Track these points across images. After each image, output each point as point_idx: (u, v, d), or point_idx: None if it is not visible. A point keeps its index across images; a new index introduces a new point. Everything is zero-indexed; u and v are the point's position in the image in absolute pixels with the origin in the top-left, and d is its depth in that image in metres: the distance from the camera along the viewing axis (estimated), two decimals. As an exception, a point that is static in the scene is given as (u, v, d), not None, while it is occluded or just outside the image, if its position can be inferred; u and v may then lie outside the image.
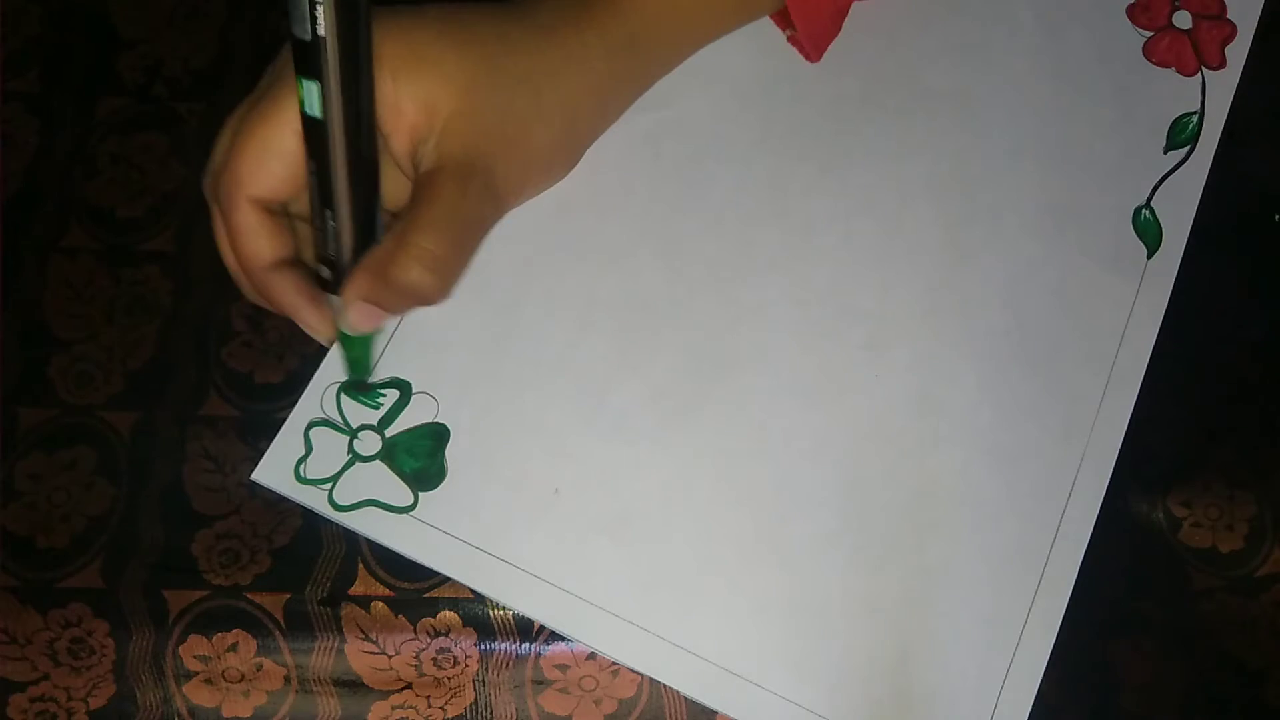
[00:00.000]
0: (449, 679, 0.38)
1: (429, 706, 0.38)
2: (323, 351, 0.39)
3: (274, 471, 0.38)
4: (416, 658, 0.38)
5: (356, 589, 0.38)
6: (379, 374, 0.39)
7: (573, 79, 0.37)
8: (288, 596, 0.37)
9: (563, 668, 0.38)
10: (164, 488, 0.39)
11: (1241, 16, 0.44)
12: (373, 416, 0.39)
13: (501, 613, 0.38)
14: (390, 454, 0.38)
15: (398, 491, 0.38)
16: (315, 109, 0.32)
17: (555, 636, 0.38)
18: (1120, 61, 0.44)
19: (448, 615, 0.38)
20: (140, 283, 0.41)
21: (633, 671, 0.37)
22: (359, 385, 0.38)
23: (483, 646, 0.38)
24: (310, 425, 0.38)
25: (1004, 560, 0.38)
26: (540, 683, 0.38)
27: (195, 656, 0.37)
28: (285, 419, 0.39)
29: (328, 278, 0.34)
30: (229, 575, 0.38)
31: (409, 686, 0.38)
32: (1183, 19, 0.44)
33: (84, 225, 0.42)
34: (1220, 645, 0.38)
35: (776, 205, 0.42)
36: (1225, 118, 0.43)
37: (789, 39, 0.43)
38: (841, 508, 0.38)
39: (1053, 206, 0.42)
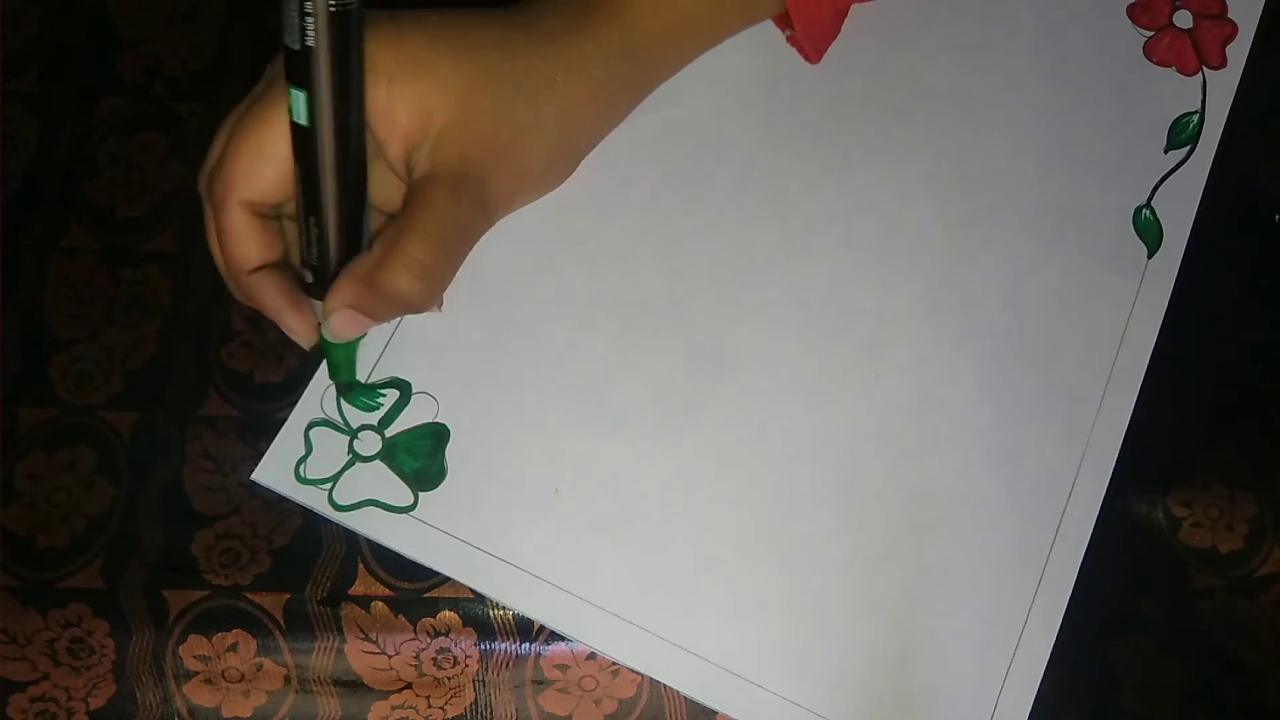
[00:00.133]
0: (449, 679, 0.38)
1: (429, 706, 0.38)
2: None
3: (274, 471, 0.38)
4: (416, 658, 0.38)
5: (356, 589, 0.38)
6: (379, 374, 0.39)
7: (571, 87, 0.37)
8: (288, 596, 0.37)
9: (563, 668, 0.38)
10: (164, 488, 0.39)
11: (1242, 16, 0.44)
12: (373, 416, 0.39)
13: (501, 613, 0.38)
14: (390, 454, 0.38)
15: (398, 491, 0.38)
16: (303, 117, 0.32)
17: (555, 636, 0.38)
18: (1120, 61, 0.44)
19: (448, 615, 0.38)
20: (140, 283, 0.41)
21: (633, 671, 0.37)
22: (343, 388, 0.38)
23: (483, 646, 0.38)
24: (310, 425, 0.38)
25: (1004, 560, 0.38)
26: (540, 683, 0.38)
27: (195, 656, 0.37)
28: (285, 419, 0.39)
29: (311, 282, 0.35)
30: (229, 575, 0.38)
31: (409, 686, 0.38)
32: (1183, 18, 0.44)
33: (84, 225, 0.42)
34: (1220, 645, 0.38)
35: (776, 205, 0.42)
36: (1226, 117, 0.43)
37: (788, 40, 0.43)
38: (841, 508, 0.38)
39: (1053, 206, 0.42)
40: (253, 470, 0.38)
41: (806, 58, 0.43)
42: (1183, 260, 0.41)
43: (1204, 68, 0.44)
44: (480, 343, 0.40)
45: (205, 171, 0.35)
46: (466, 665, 0.38)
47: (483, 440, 0.39)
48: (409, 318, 0.40)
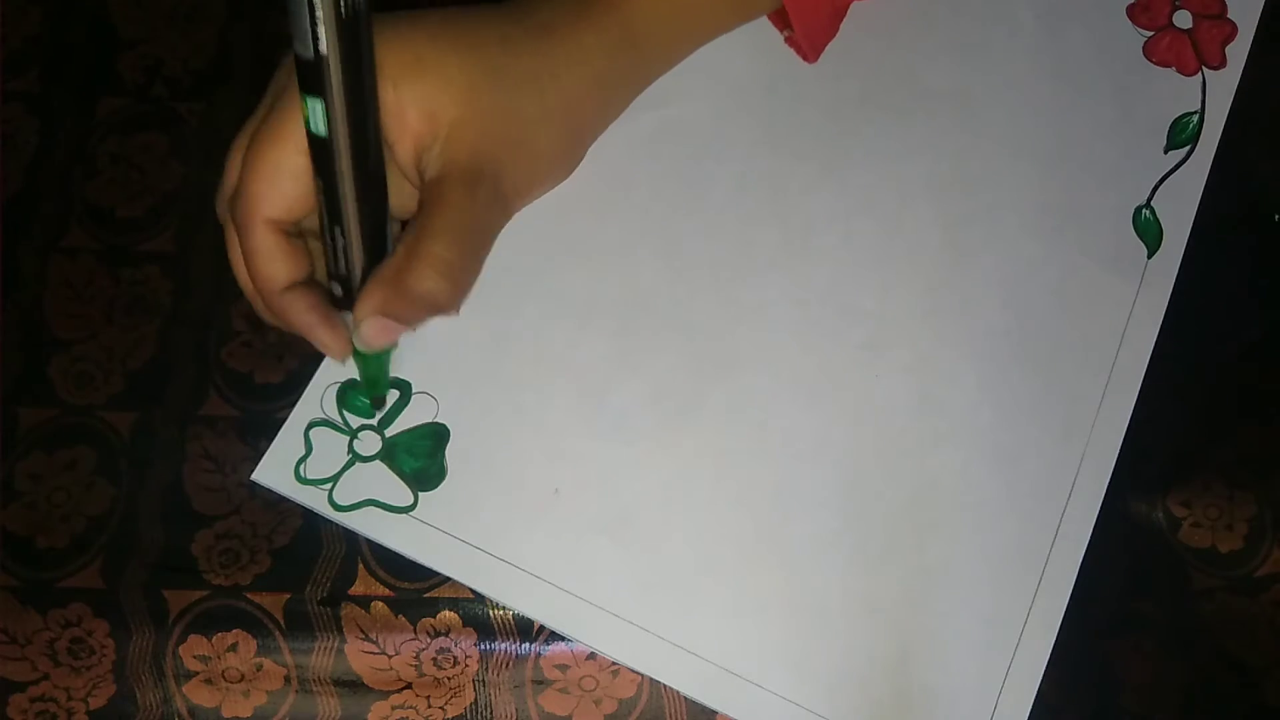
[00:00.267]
0: (449, 679, 0.38)
1: (429, 706, 0.38)
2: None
3: (274, 471, 0.38)
4: (416, 658, 0.38)
5: (356, 589, 0.38)
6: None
7: (574, 78, 0.37)
8: (288, 596, 0.37)
9: (563, 668, 0.38)
10: (164, 488, 0.39)
11: (1242, 16, 0.44)
12: (373, 417, 0.39)
13: (501, 613, 0.38)
14: (390, 454, 0.38)
15: (398, 491, 0.38)
16: (320, 127, 0.31)
17: (555, 636, 0.38)
18: (1120, 61, 0.44)
19: (448, 615, 0.38)
20: (140, 283, 0.41)
21: (633, 671, 0.37)
22: (379, 401, 0.38)
23: (483, 646, 0.38)
24: (310, 425, 0.38)
25: (1004, 560, 0.38)
26: (540, 683, 0.38)
27: (195, 656, 0.37)
28: (285, 419, 0.39)
29: (339, 295, 0.34)
30: (229, 575, 0.38)
31: (409, 686, 0.38)
32: (1183, 19, 0.44)
33: (84, 225, 0.42)
34: (1220, 645, 0.38)
35: (776, 205, 0.42)
36: (1225, 118, 0.43)
37: (786, 40, 0.43)
38: (841, 508, 0.38)
39: (1053, 206, 0.42)
40: (253, 470, 0.38)
41: (804, 57, 0.43)
42: (1183, 260, 0.41)
43: (1204, 68, 0.44)
44: (480, 343, 0.40)
45: (224, 195, 0.35)
46: (466, 665, 0.38)
47: (483, 440, 0.39)
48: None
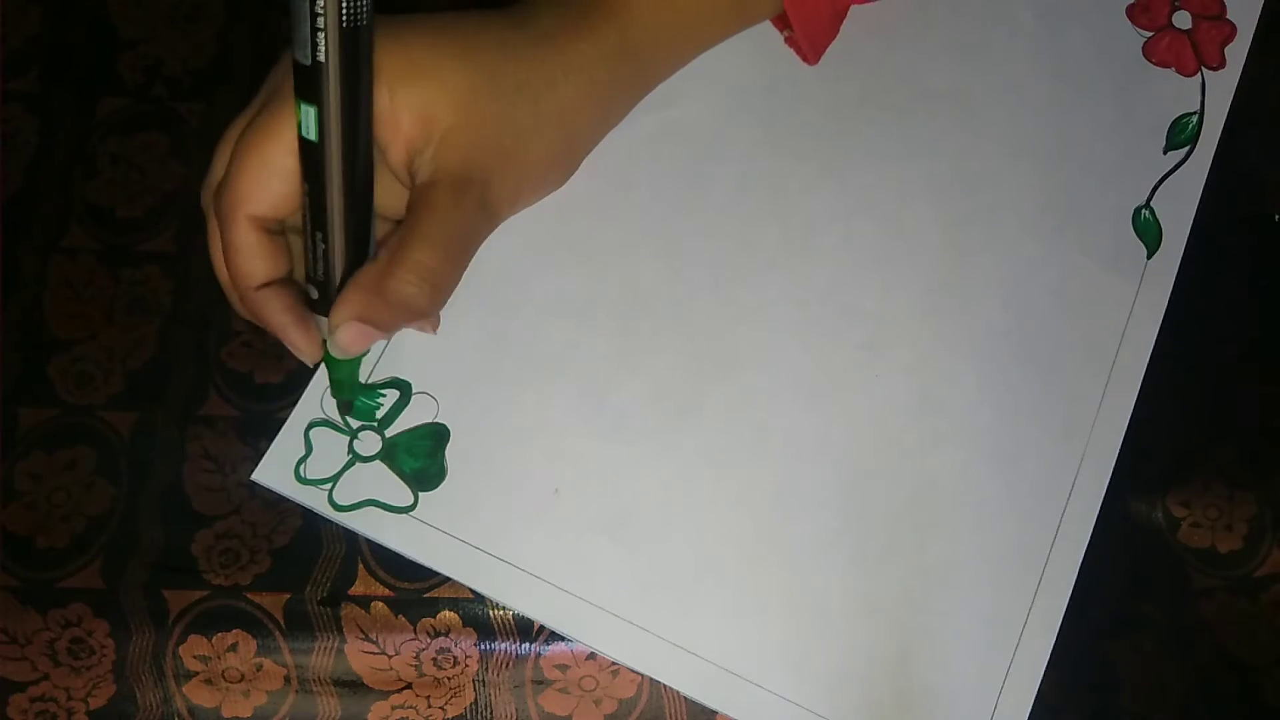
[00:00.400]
0: (449, 679, 0.38)
1: (429, 706, 0.38)
2: (323, 351, 0.39)
3: (274, 471, 0.38)
4: (416, 658, 0.38)
5: (356, 589, 0.38)
6: (379, 374, 0.39)
7: (572, 87, 0.37)
8: (288, 596, 0.37)
9: (563, 668, 0.38)
10: (164, 488, 0.39)
11: (1241, 17, 0.44)
12: (371, 418, 0.39)
13: (501, 613, 0.38)
14: (390, 454, 0.38)
15: (398, 491, 0.38)
16: (312, 133, 0.32)
17: (555, 636, 0.38)
18: (1120, 61, 0.44)
19: (448, 615, 0.38)
20: (140, 283, 0.41)
21: (633, 671, 0.37)
22: (345, 406, 0.38)
23: (483, 646, 0.38)
24: (310, 425, 0.38)
25: (1004, 560, 0.38)
26: (540, 683, 0.38)
27: (195, 656, 0.37)
28: (285, 419, 0.39)
29: (315, 298, 0.34)
30: (229, 575, 0.38)
31: (409, 686, 0.38)
32: (1182, 19, 0.44)
33: (84, 225, 0.42)
34: (1220, 645, 0.38)
35: (776, 205, 0.42)
36: (1225, 118, 0.43)
37: (786, 41, 0.43)
38: (841, 508, 0.38)
39: (1053, 206, 0.42)
40: (253, 470, 0.38)
41: (804, 58, 0.43)
42: (1182, 260, 0.41)
43: (1203, 68, 0.44)
44: (480, 343, 0.40)
45: (209, 187, 0.35)
46: (466, 665, 0.38)
47: (483, 440, 0.39)
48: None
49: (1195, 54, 0.44)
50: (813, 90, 0.43)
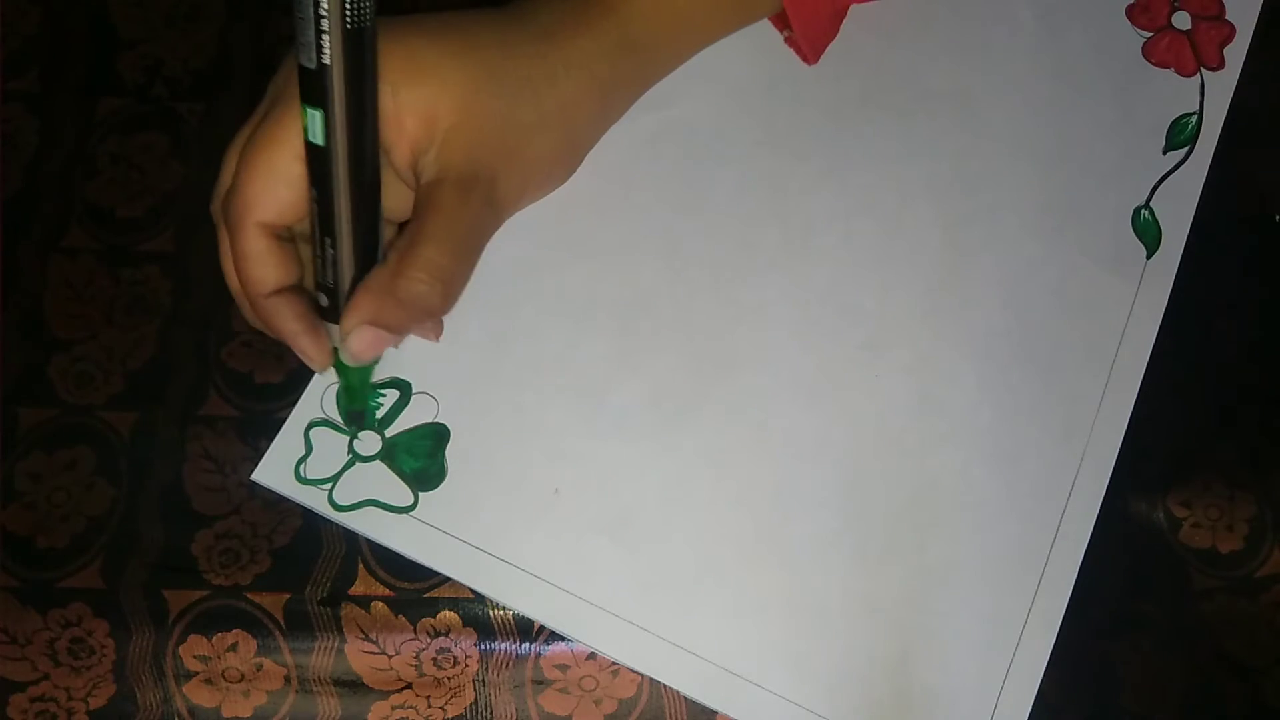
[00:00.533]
0: (449, 679, 0.38)
1: (429, 706, 0.38)
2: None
3: (274, 471, 0.38)
4: (416, 658, 0.38)
5: (356, 589, 0.38)
6: (379, 374, 0.39)
7: (573, 83, 0.37)
8: (288, 596, 0.37)
9: (563, 668, 0.38)
10: (164, 488, 0.39)
11: (1240, 17, 0.45)
12: (372, 425, 0.39)
13: (501, 613, 0.38)
14: (390, 454, 0.38)
15: (398, 491, 0.38)
16: (319, 137, 0.31)
17: (555, 636, 0.38)
18: (1120, 62, 0.44)
19: (448, 615, 0.38)
20: (140, 283, 0.41)
21: (633, 671, 0.37)
22: (355, 416, 0.38)
23: (483, 646, 0.38)
24: (310, 425, 0.38)
25: (1004, 560, 0.38)
26: (540, 683, 0.38)
27: (195, 656, 0.37)
28: (285, 419, 0.39)
29: (325, 305, 0.34)
30: (229, 575, 0.38)
31: (409, 686, 0.38)
32: (1182, 19, 0.44)
33: (84, 225, 0.42)
34: (1220, 645, 0.38)
35: (776, 205, 0.42)
36: (1224, 118, 0.43)
37: (786, 40, 0.43)
38: (841, 508, 0.38)
39: (1053, 206, 0.42)
40: (253, 470, 0.38)
41: (804, 58, 0.43)
42: (1182, 260, 0.41)
43: (1202, 69, 0.44)
44: (480, 343, 0.40)
45: (218, 195, 0.35)
46: (466, 665, 0.38)
47: (483, 440, 0.39)
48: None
49: (1194, 54, 0.44)
50: (813, 90, 0.43)
